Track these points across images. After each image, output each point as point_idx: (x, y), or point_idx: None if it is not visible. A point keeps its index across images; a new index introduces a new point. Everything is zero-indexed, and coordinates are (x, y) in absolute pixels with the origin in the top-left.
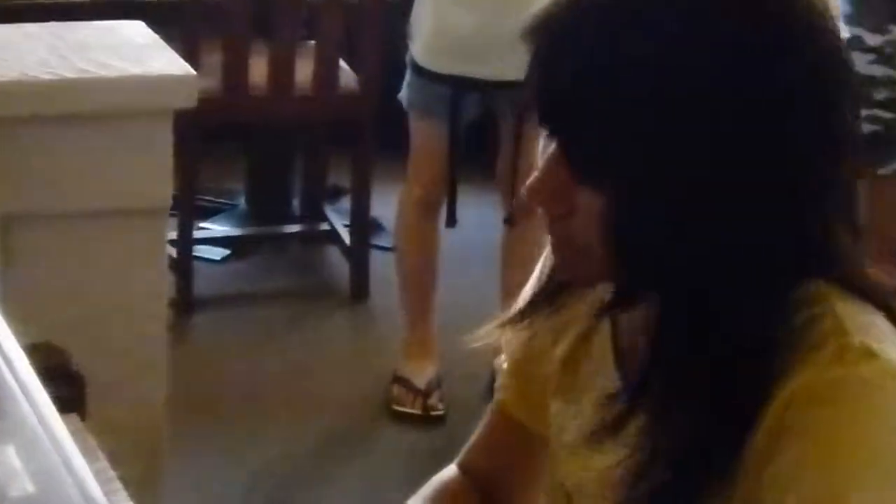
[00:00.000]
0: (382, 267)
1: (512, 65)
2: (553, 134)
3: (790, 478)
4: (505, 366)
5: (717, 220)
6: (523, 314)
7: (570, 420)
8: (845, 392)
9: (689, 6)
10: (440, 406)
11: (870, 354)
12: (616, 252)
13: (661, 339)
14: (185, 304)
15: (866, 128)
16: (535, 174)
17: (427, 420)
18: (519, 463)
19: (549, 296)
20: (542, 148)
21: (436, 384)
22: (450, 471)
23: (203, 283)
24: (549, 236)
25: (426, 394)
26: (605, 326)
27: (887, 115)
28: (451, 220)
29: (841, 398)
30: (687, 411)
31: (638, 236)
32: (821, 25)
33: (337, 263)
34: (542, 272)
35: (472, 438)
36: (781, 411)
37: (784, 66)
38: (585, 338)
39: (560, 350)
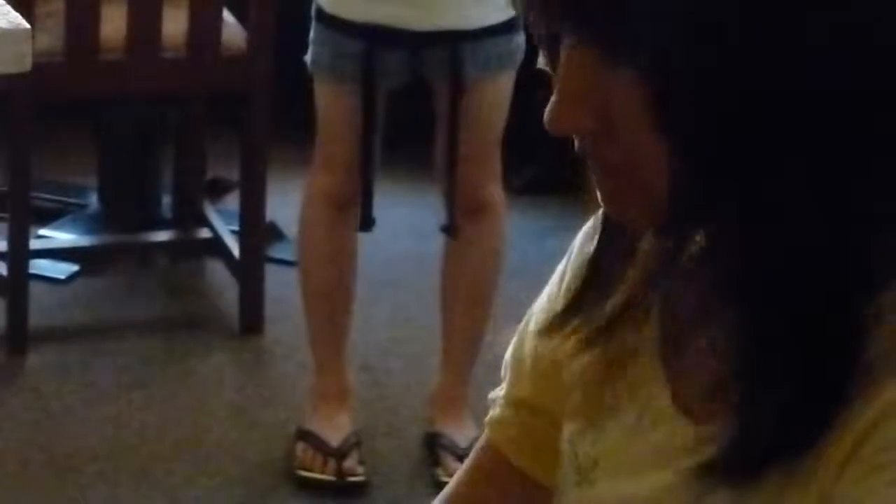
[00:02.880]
0: (282, 287)
1: (449, 7)
2: (568, 18)
3: None
4: (502, 391)
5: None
6: (571, 312)
7: (587, 445)
8: None
9: None
10: (359, 470)
11: None
12: (672, 151)
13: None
14: (19, 338)
15: None
16: (552, 99)
17: (342, 489)
18: None
19: (602, 283)
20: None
21: (353, 442)
22: None
23: (42, 311)
24: (592, 173)
25: (341, 454)
26: (648, 341)
27: None
28: (367, 222)
29: None
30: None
31: (696, 119)
32: None
33: (222, 283)
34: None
35: (448, 489)
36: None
37: None
38: (620, 353)
39: (584, 362)
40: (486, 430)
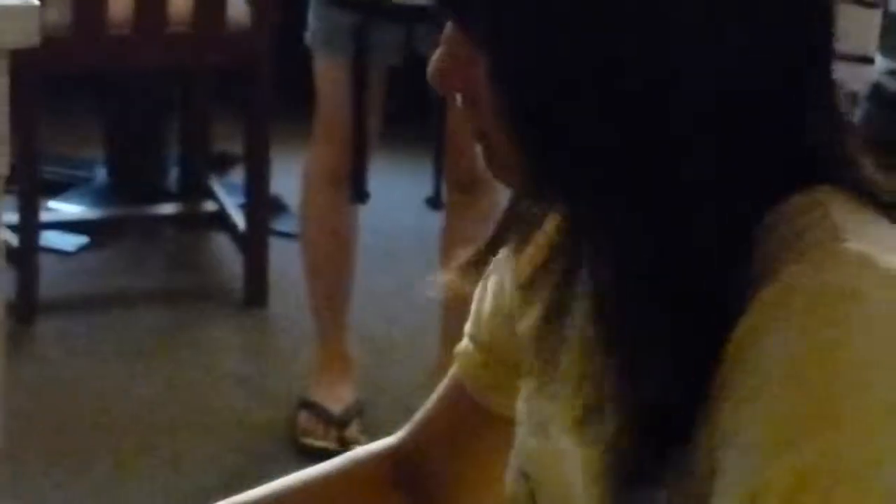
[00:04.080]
0: (286, 260)
1: None
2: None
3: (744, 402)
4: (468, 327)
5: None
6: (488, 250)
7: (543, 399)
8: (826, 301)
9: None
10: (361, 439)
11: (867, 263)
12: (507, 129)
13: (594, 263)
14: (27, 308)
15: None
16: (433, 57)
17: None
18: (477, 453)
19: (516, 224)
20: None
21: (355, 411)
22: (370, 452)
23: (51, 281)
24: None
25: (342, 423)
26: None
27: None
28: (360, 194)
29: (820, 309)
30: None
31: (522, 98)
32: None
33: (227, 255)
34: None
35: (418, 416)
36: (745, 335)
37: None
38: (556, 313)
39: (526, 325)
40: (455, 360)
